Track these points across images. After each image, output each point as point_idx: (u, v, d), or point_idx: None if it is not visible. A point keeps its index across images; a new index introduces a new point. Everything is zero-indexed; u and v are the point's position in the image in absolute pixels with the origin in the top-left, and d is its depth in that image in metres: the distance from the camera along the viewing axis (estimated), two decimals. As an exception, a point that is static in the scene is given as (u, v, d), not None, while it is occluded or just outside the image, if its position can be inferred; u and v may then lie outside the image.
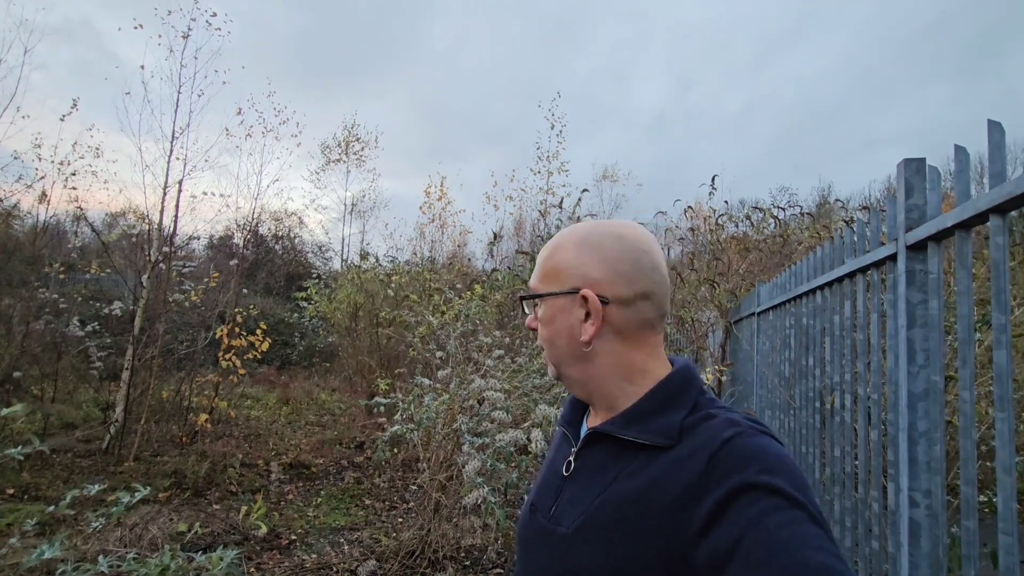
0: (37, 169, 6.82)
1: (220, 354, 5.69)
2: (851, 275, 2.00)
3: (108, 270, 6.04)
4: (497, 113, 40.31)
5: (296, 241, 18.39)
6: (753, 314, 3.71)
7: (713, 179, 4.84)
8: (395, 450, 4.55)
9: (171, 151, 5.86)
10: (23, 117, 6.90)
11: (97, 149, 7.01)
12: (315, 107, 32.03)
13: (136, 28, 5.91)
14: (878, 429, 1.75)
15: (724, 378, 4.46)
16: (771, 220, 4.39)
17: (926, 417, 1.45)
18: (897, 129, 43.19)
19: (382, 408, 3.31)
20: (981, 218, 1.20)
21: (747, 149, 42.69)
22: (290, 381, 9.81)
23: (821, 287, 2.36)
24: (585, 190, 4.81)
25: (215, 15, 6.05)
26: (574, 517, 0.67)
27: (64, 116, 6.77)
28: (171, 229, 5.92)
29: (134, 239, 6.31)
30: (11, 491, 4.02)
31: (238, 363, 5.75)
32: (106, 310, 5.63)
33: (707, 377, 2.63)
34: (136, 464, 4.79)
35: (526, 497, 0.89)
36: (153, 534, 2.79)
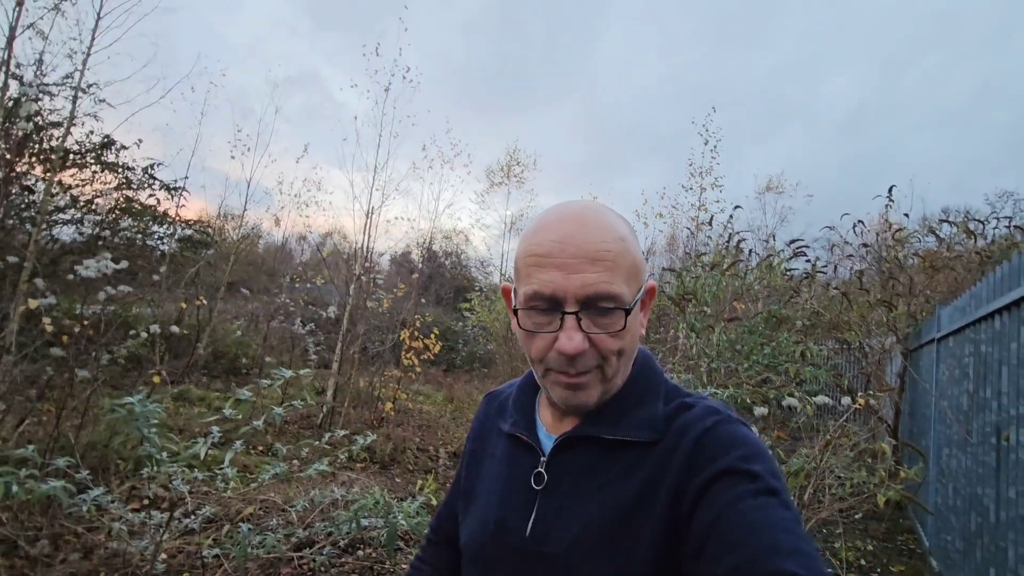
0: (279, 201, 8.85)
1: (402, 353, 6.75)
2: (1027, 299, 1.85)
3: (324, 281, 7.55)
4: (663, 123, 39.39)
5: (462, 257, 20.34)
6: (933, 340, 3.34)
7: (890, 190, 4.43)
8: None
9: (372, 183, 7.16)
10: (272, 161, 9.04)
11: (319, 184, 8.86)
12: (488, 128, 34.25)
13: (352, 87, 7.37)
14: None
15: (901, 409, 4.06)
16: (964, 234, 3.86)
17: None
18: None
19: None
20: None
21: (975, 144, 35.26)
22: (455, 382, 10.96)
23: (1000, 311, 2.15)
24: (738, 207, 4.74)
25: (409, 70, 7.27)
26: (565, 533, 0.61)
27: (299, 159, 8.72)
28: (371, 247, 7.21)
29: (346, 256, 7.84)
30: (260, 448, 5.33)
31: (416, 362, 6.75)
32: (322, 314, 7.05)
33: (859, 402, 2.53)
34: (340, 438, 5.95)
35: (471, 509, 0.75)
36: (356, 489, 3.56)
